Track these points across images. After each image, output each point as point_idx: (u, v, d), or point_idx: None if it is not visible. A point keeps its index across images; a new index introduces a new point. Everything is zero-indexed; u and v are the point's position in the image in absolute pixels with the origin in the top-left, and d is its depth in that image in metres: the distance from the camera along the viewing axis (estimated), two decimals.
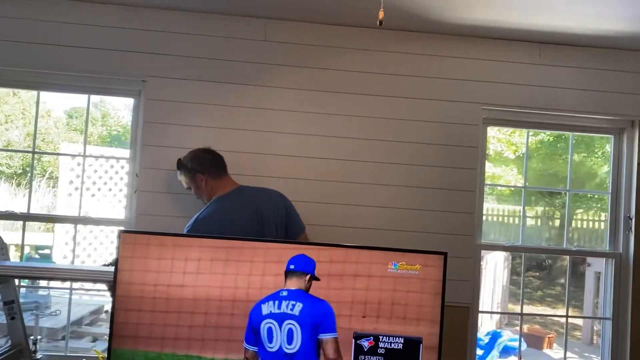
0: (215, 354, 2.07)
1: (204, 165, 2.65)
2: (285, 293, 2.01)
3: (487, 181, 8.90)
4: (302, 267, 2.02)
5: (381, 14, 1.27)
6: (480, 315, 6.15)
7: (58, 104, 12.00)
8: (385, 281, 2.09)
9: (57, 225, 6.85)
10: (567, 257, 3.32)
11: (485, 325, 5.94)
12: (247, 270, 2.08)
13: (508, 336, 5.61)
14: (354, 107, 3.14)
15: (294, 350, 1.95)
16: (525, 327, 6.24)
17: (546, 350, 6.00)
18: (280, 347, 1.97)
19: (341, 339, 2.01)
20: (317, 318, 1.97)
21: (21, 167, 10.86)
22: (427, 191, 3.15)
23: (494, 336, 5.26)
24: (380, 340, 2.05)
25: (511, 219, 8.98)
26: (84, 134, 3.71)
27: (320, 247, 2.12)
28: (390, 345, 2.04)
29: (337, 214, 3.09)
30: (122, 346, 2.10)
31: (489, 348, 5.19)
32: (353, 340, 2.04)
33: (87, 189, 6.54)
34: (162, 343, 2.09)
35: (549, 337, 6.03)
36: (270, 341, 1.97)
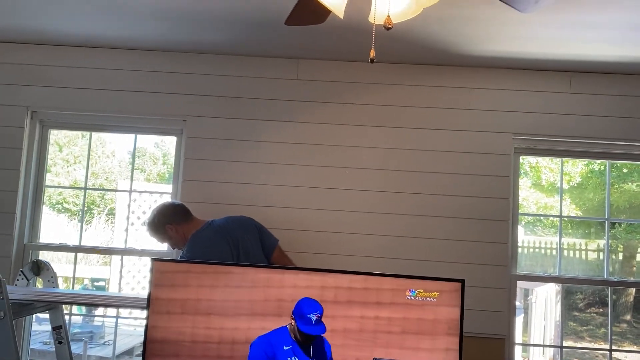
0: None
1: (168, 215, 2.81)
2: None
3: (539, 211, 8.71)
4: None
5: (372, 53, 1.37)
6: (532, 349, 5.93)
7: (122, 144, 12.63)
8: (404, 308, 2.12)
9: (113, 258, 7.18)
10: (633, 291, 3.22)
11: None
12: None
13: None
14: (383, 140, 3.22)
15: None
16: None
17: None
18: None
19: None
20: None
21: (87, 205, 11.47)
22: (460, 221, 3.16)
23: None
24: None
25: (570, 252, 8.72)
26: (134, 172, 3.96)
27: (336, 274, 2.19)
28: None
29: (370, 244, 3.15)
30: None
31: None
32: None
33: (131, 223, 6.85)
34: None
35: None
36: None
